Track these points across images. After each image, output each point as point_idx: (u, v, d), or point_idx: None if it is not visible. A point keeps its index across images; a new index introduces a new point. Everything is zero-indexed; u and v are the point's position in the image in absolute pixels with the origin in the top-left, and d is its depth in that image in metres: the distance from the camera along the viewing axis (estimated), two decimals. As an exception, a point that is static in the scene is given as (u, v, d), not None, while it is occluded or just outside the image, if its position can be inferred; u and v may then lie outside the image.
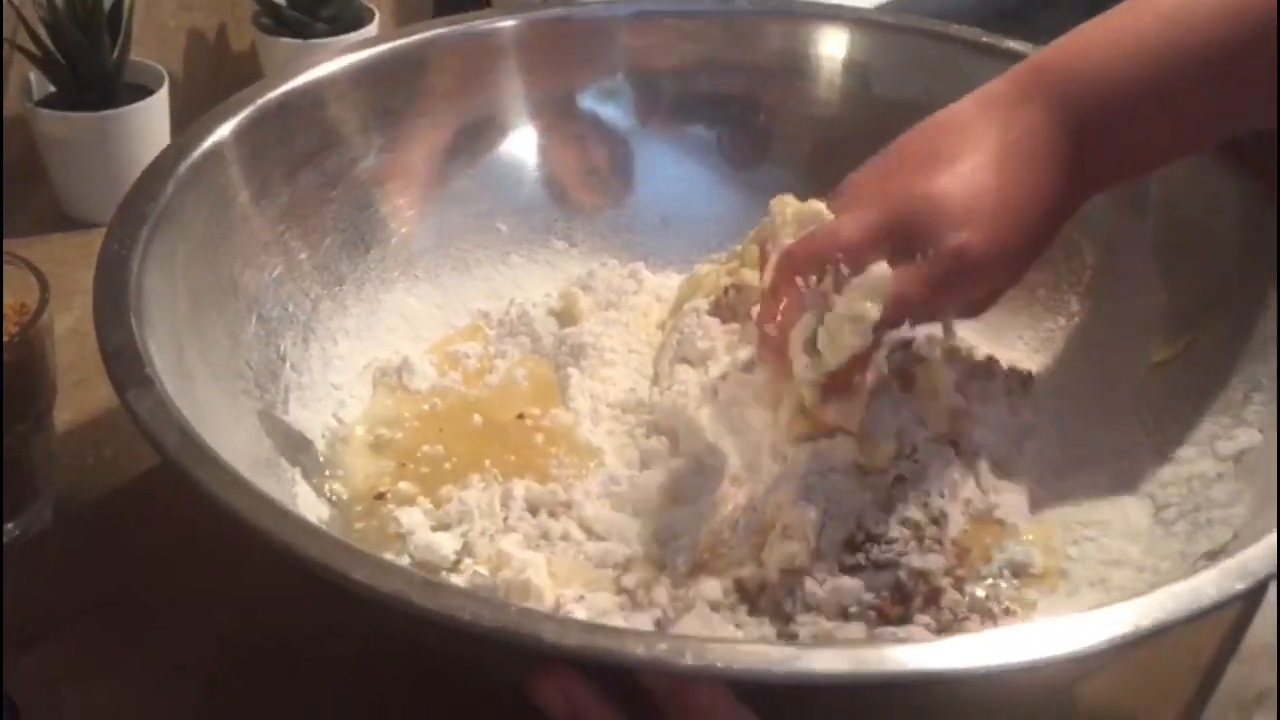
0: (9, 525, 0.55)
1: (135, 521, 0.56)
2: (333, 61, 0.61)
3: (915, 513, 0.51)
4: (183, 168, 0.53)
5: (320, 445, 0.56)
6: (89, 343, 0.61)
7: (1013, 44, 0.66)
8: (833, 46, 0.67)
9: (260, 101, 0.58)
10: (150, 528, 0.55)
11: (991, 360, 0.61)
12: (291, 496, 0.52)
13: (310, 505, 0.52)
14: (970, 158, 0.50)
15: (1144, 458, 0.56)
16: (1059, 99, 0.51)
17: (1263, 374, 0.53)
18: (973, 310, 0.56)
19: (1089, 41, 0.52)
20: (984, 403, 0.59)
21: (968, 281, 0.50)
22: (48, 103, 0.75)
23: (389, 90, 0.63)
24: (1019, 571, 0.52)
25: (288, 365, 0.57)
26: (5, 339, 0.52)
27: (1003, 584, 0.51)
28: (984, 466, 0.55)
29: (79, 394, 0.62)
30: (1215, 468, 0.52)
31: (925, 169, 0.50)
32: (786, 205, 0.54)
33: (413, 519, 0.53)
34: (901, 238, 0.49)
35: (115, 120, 0.74)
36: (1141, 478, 0.55)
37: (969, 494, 0.54)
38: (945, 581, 0.50)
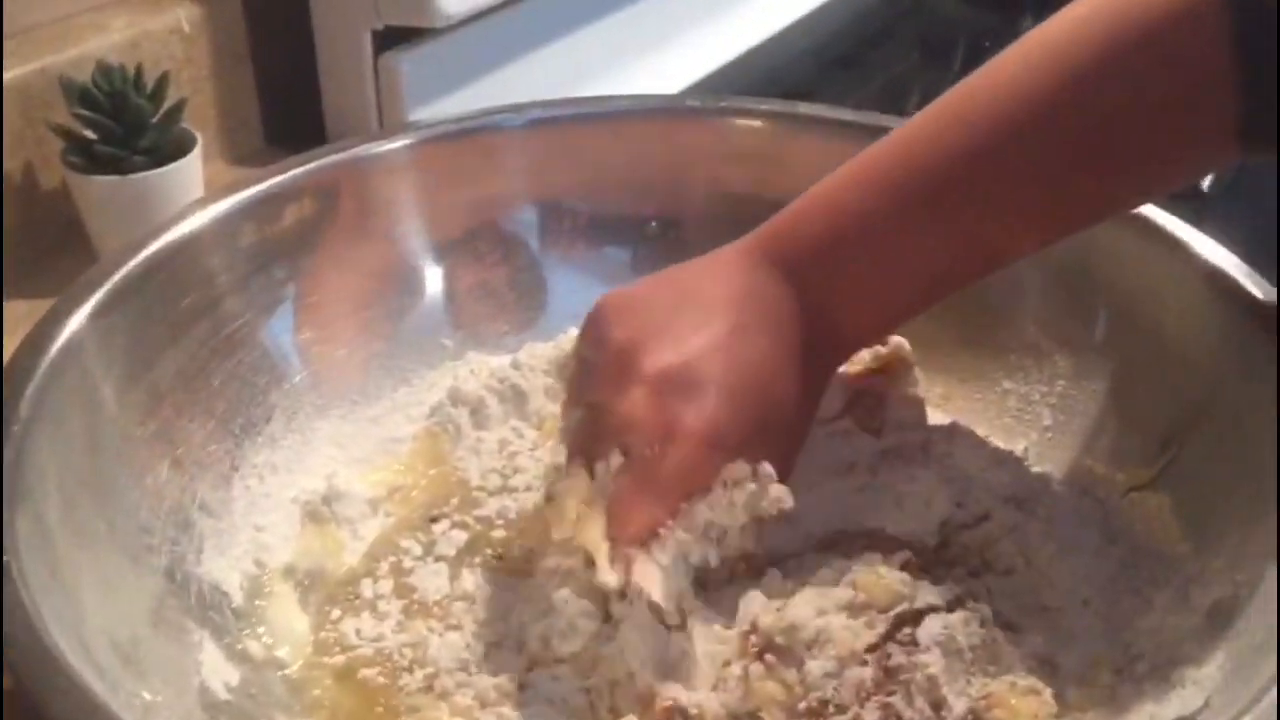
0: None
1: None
2: (207, 209, 0.58)
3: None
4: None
5: (237, 598, 0.53)
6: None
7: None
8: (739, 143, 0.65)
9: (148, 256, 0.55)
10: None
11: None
12: (196, 663, 0.49)
13: (216, 669, 0.49)
14: (700, 331, 0.49)
15: (1120, 600, 0.52)
16: (786, 266, 0.50)
17: (1240, 509, 0.49)
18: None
19: (812, 204, 0.51)
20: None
21: (686, 466, 0.48)
22: None
23: (273, 227, 0.60)
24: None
25: (203, 511, 0.54)
26: None
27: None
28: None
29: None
30: (1188, 620, 0.48)
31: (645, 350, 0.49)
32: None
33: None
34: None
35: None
36: (1111, 620, 0.51)
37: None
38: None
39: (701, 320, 0.50)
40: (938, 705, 0.47)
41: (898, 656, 0.48)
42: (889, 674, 0.48)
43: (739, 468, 0.49)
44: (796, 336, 0.50)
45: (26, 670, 0.38)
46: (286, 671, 0.51)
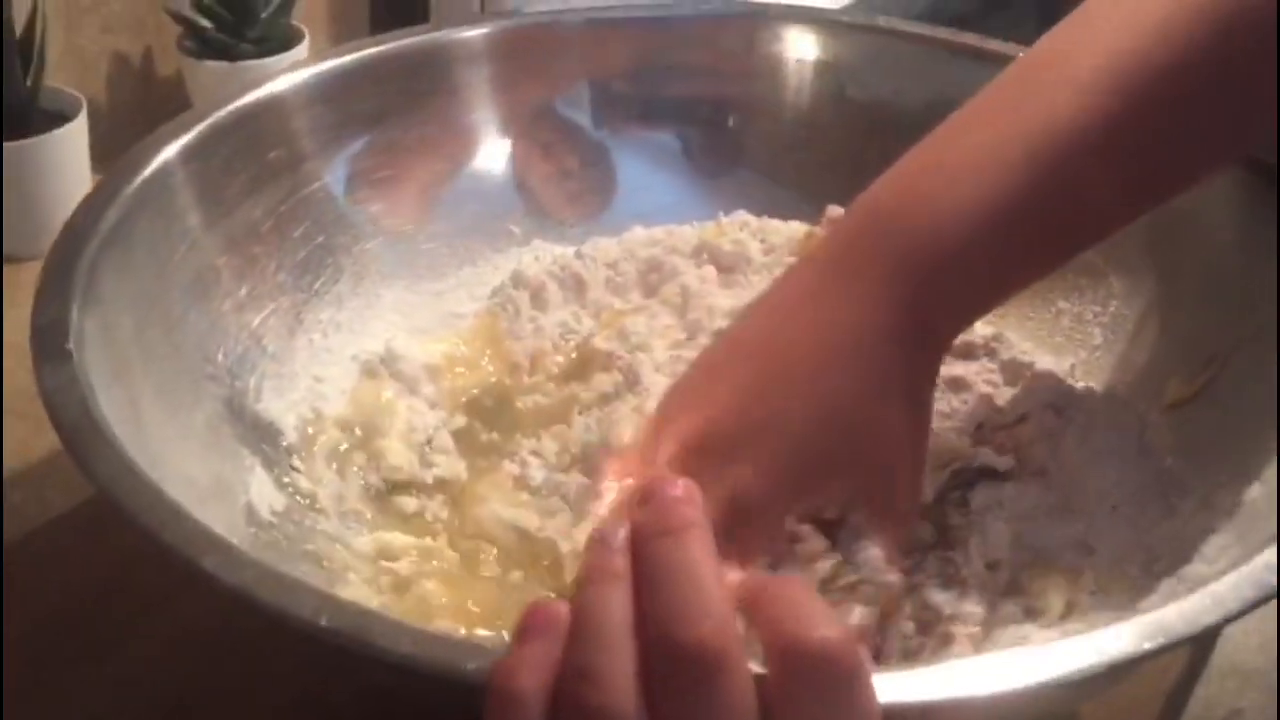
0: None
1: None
2: (297, 73, 0.61)
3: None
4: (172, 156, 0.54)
5: (291, 437, 0.56)
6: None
7: (984, 43, 0.62)
8: (803, 48, 0.65)
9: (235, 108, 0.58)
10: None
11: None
12: (245, 483, 0.51)
13: (264, 494, 0.52)
14: (783, 366, 0.44)
15: (1148, 505, 0.52)
16: (894, 255, 0.44)
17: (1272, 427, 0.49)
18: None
19: (921, 170, 0.46)
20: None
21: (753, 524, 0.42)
22: (-45, 132, 0.70)
23: (355, 100, 0.63)
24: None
25: (267, 355, 0.57)
26: None
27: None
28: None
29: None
30: (1211, 520, 0.48)
31: (732, 379, 0.44)
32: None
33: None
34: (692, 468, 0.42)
35: (29, 150, 0.70)
36: (1138, 525, 0.51)
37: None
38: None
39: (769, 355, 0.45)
40: (993, 566, 0.48)
41: (954, 517, 0.49)
42: (946, 533, 0.49)
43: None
44: (889, 346, 0.44)
45: (78, 447, 0.40)
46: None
